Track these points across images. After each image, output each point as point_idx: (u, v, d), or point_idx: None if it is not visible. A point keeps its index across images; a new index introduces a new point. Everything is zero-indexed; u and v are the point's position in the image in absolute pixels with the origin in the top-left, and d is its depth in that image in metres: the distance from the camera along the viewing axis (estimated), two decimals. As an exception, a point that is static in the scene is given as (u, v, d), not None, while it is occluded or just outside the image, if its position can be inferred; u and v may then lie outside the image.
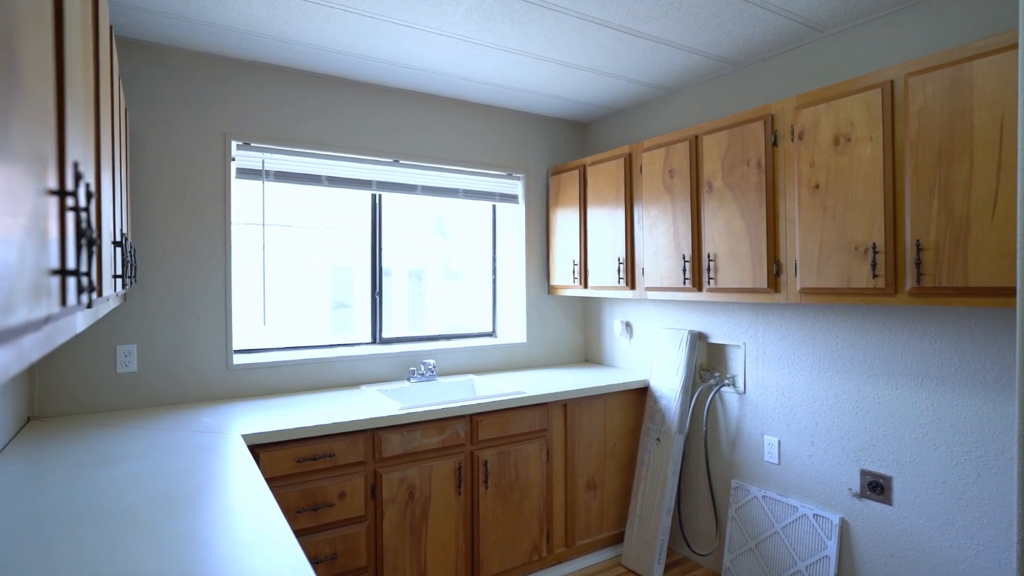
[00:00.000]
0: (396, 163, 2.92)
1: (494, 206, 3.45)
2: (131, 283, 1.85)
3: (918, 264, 1.72)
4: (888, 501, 2.10)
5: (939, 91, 1.68)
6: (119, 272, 1.29)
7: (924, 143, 1.71)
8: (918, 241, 1.72)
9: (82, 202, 0.62)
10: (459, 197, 3.13)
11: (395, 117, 2.90)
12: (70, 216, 0.57)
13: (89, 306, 0.95)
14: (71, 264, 0.54)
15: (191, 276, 2.42)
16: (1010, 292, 1.54)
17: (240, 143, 2.52)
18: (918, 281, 1.72)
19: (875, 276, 1.83)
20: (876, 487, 2.13)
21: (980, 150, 1.59)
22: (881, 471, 2.12)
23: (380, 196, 3.02)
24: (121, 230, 1.35)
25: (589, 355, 3.55)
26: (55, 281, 0.51)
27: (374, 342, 3.03)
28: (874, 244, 1.83)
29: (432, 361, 2.88)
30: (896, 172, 1.79)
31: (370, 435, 2.18)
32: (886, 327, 2.10)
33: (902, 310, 2.06)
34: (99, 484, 1.45)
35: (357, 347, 2.94)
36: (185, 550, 1.09)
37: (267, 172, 2.58)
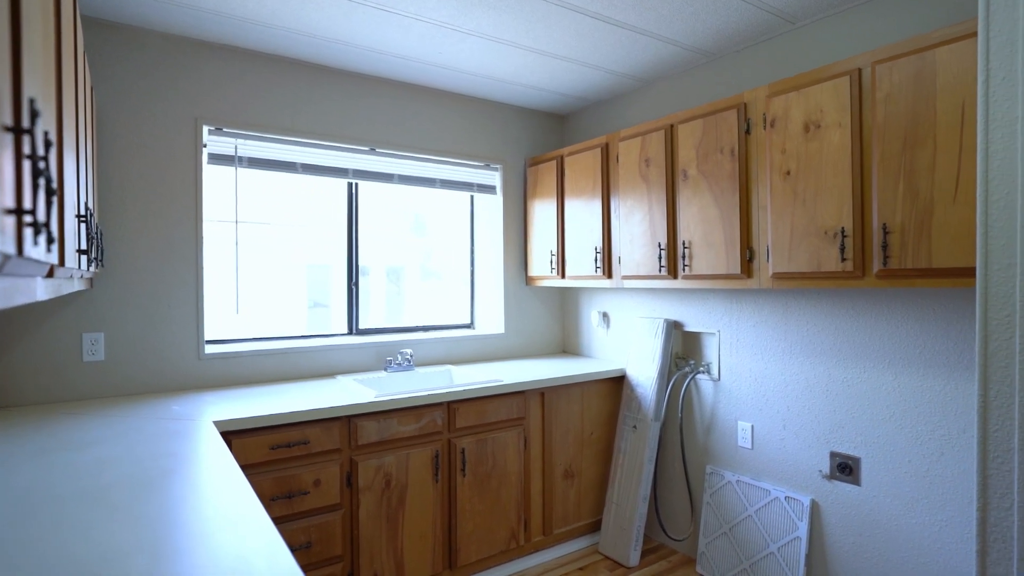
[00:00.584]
0: (373, 151, 2.90)
1: (472, 197, 3.44)
2: (98, 266, 1.81)
3: (885, 247, 1.76)
4: (856, 482, 2.15)
5: (904, 78, 1.72)
6: (83, 247, 1.26)
7: (890, 129, 1.76)
8: (885, 224, 1.77)
9: (40, 148, 0.61)
10: (436, 187, 3.12)
11: (372, 105, 2.88)
12: (26, 164, 0.55)
13: (50, 275, 0.93)
14: (27, 205, 0.53)
15: (161, 263, 2.37)
16: (971, 272, 1.59)
17: (212, 128, 2.47)
18: (885, 263, 1.77)
19: (844, 259, 1.87)
20: (845, 468, 2.18)
21: (943, 135, 1.64)
22: (850, 452, 2.17)
23: (356, 185, 2.99)
24: (86, 204, 1.31)
25: (567, 346, 3.57)
26: (10, 220, 0.50)
27: (350, 333, 3.00)
28: (843, 228, 1.87)
29: (409, 351, 2.87)
30: (864, 157, 1.84)
31: (345, 422, 2.16)
32: (855, 311, 2.15)
33: (870, 294, 2.11)
34: (65, 469, 1.41)
35: (333, 338, 2.91)
36: (154, 529, 1.07)
37: (240, 158, 2.53)
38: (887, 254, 1.76)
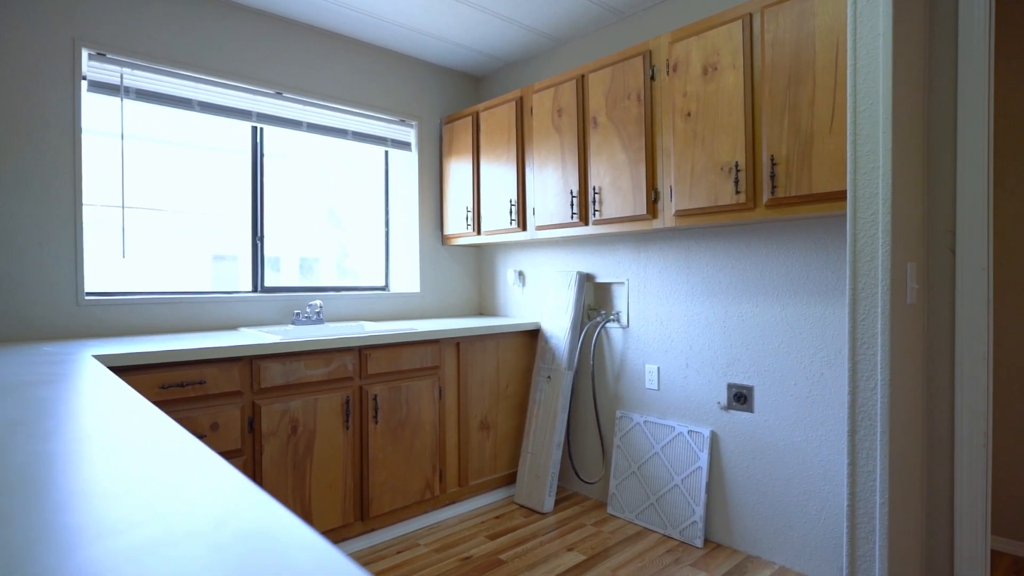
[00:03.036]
0: (279, 95, 2.76)
1: (386, 152, 3.37)
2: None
3: (773, 177, 1.91)
4: (750, 409, 2.31)
5: (789, 21, 1.87)
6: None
7: (777, 68, 1.90)
8: (772, 156, 1.91)
9: None
10: (348, 139, 3.02)
11: (282, 48, 2.74)
12: None
13: None
14: None
15: (30, 196, 2.13)
16: (844, 196, 1.75)
17: (93, 52, 2.25)
18: (773, 192, 1.91)
19: (737, 192, 2.00)
20: (740, 398, 2.34)
21: (821, 72, 1.80)
22: (744, 382, 2.33)
23: (261, 130, 2.83)
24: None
25: (483, 307, 3.58)
26: None
27: (255, 291, 2.84)
28: (736, 163, 2.00)
29: (319, 303, 2.76)
30: (755, 96, 1.98)
31: (247, 363, 2.05)
32: (748, 249, 2.31)
33: (762, 230, 2.27)
34: (-98, 385, 1.23)
35: (236, 294, 2.74)
36: (8, 414, 0.95)
37: (127, 89, 2.33)
38: (775, 184, 1.91)
